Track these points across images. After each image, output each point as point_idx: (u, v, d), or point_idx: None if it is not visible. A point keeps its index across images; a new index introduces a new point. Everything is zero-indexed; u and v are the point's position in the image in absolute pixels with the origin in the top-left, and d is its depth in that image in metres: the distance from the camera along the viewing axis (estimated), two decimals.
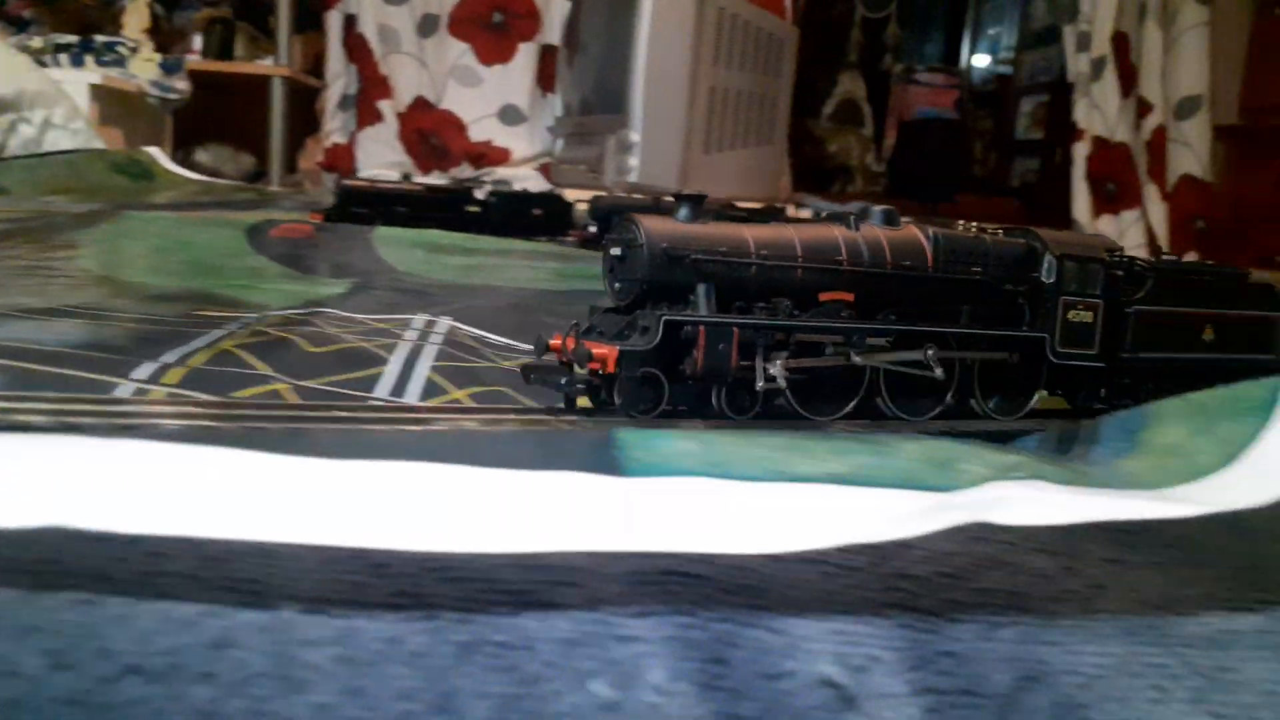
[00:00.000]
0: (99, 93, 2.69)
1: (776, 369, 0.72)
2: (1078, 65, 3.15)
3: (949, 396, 0.82)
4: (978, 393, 0.84)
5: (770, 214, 2.19)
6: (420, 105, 3.31)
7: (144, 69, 2.92)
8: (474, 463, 0.43)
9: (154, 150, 2.57)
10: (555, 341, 0.73)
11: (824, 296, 0.77)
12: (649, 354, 0.69)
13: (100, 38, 2.88)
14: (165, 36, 3.24)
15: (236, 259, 1.36)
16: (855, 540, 0.39)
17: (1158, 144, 3.10)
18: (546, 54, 3.29)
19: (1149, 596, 0.44)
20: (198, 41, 3.33)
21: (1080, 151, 3.13)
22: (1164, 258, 1.05)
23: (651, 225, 0.71)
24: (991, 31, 4.86)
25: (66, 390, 0.67)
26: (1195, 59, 3.07)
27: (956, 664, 0.39)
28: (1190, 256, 2.73)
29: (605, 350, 0.69)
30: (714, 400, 0.73)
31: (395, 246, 1.50)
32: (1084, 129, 3.12)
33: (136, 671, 0.33)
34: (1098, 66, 3.09)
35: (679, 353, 0.71)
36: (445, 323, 0.99)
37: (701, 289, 0.72)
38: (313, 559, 0.38)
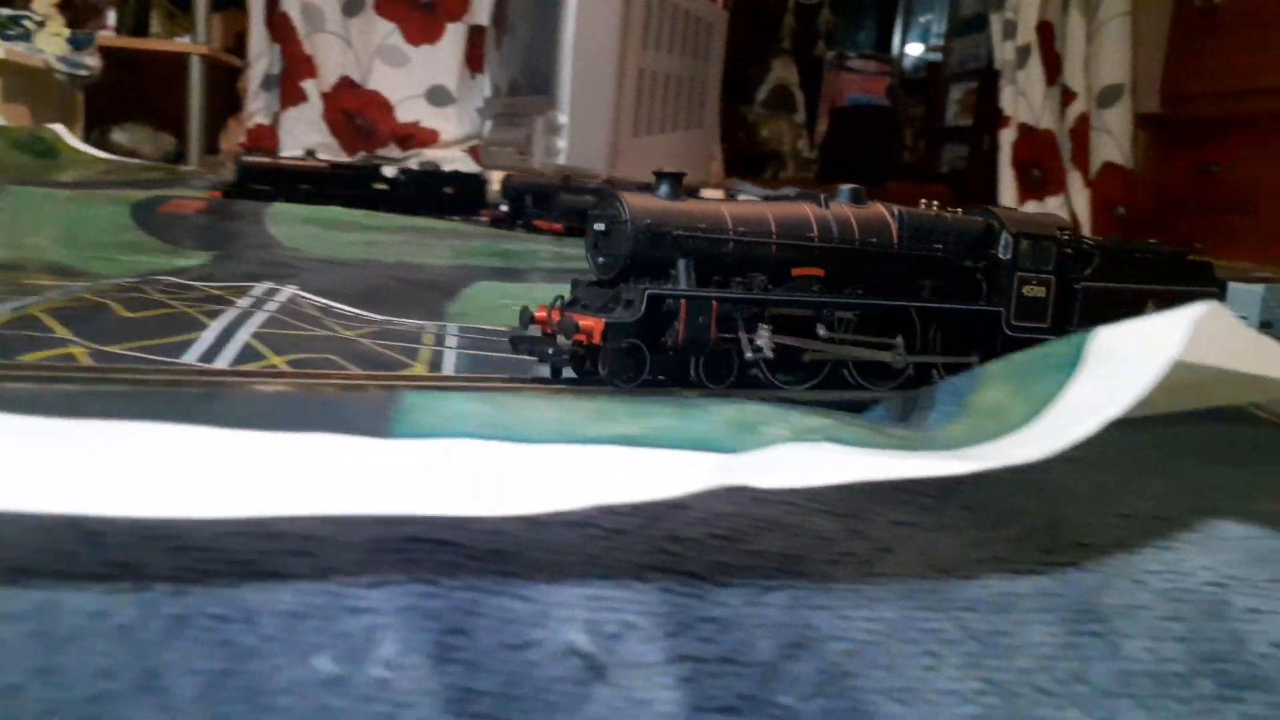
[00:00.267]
0: (2, 68, 2.59)
1: (764, 340, 0.74)
2: (1004, 53, 3.17)
3: (909, 369, 0.86)
4: (939, 365, 0.87)
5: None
6: (346, 85, 3.23)
7: (51, 44, 2.81)
8: (222, 424, 0.40)
9: (58, 127, 2.47)
10: (540, 313, 0.76)
11: (796, 272, 0.80)
12: (633, 326, 0.71)
13: (5, 11, 2.77)
14: (78, 12, 3.13)
15: (115, 234, 1.31)
16: (624, 501, 0.37)
17: (1081, 131, 3.14)
18: (475, 34, 3.23)
19: (937, 560, 0.42)
20: (112, 17, 3.23)
21: (1007, 138, 3.16)
22: (1111, 237, 1.09)
23: (635, 202, 0.74)
24: (923, 19, 4.87)
25: None
26: (1117, 48, 3.12)
27: (719, 630, 0.37)
28: None
29: (591, 322, 0.71)
30: (692, 370, 0.75)
31: (286, 223, 1.45)
32: (1010, 116, 3.15)
33: None
34: (1023, 54, 3.12)
35: (661, 325, 0.73)
36: (288, 291, 0.95)
37: (682, 264, 0.74)
38: (17, 527, 0.35)
